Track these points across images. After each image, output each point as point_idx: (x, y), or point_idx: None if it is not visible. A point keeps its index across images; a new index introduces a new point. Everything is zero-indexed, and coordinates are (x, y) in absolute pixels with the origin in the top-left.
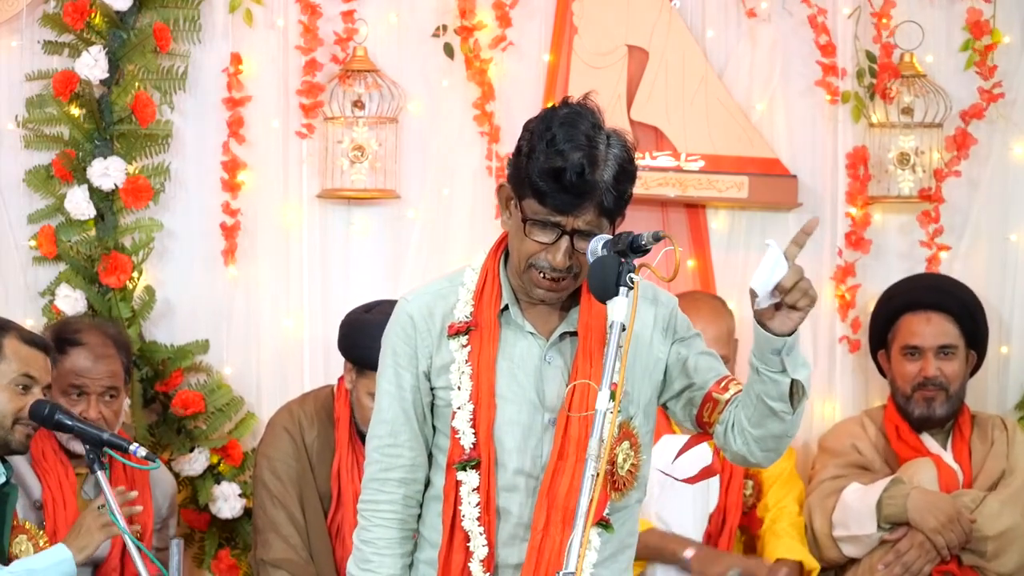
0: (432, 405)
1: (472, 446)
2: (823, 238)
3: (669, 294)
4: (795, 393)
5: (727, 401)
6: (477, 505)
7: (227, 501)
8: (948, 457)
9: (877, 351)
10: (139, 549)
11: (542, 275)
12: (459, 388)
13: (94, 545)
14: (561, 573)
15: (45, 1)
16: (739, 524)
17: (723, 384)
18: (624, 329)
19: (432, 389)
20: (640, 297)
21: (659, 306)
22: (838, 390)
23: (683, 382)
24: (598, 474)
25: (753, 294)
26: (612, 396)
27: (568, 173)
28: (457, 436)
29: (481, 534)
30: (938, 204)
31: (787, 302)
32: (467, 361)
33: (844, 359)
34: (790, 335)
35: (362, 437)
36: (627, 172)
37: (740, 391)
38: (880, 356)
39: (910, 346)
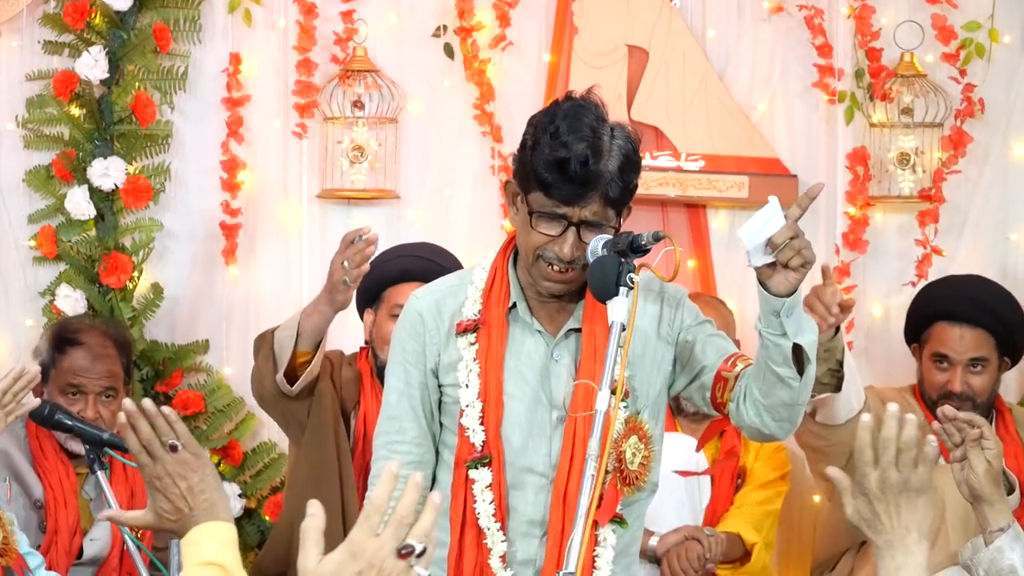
0: (440, 402)
1: (482, 444)
2: (821, 237)
3: (677, 286)
4: (801, 359)
5: (736, 376)
6: (491, 502)
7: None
8: None
9: (911, 342)
10: (139, 549)
11: (550, 266)
12: (467, 386)
13: None
14: (561, 573)
15: (45, 1)
16: None
17: (731, 362)
18: (624, 329)
19: (440, 386)
20: (646, 291)
21: (666, 299)
22: None
23: (694, 368)
24: (598, 473)
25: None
26: (613, 395)
27: (572, 163)
28: (466, 434)
29: (499, 530)
30: (938, 204)
31: (779, 260)
32: (475, 359)
33: None
34: (789, 296)
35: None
36: (632, 163)
37: (749, 365)
38: (913, 348)
39: (940, 354)
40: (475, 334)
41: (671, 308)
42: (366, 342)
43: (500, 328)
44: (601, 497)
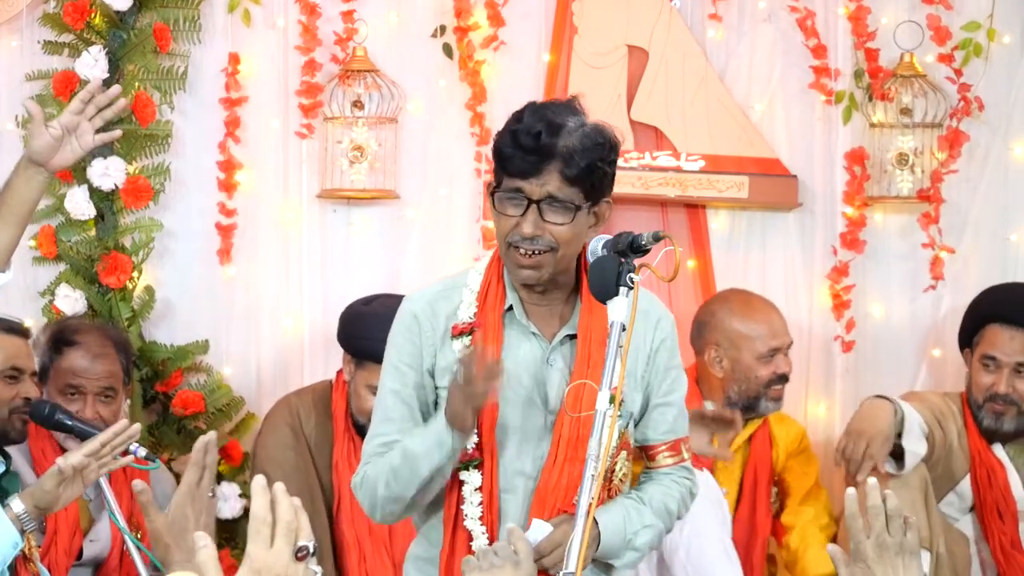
0: (436, 404)
1: (474, 446)
2: (819, 237)
3: (670, 320)
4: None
5: (652, 468)
6: (479, 504)
7: (227, 501)
8: (1015, 476)
9: (964, 348)
10: (139, 549)
11: (518, 250)
12: None
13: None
14: (562, 573)
15: (45, 1)
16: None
17: (662, 452)
18: (624, 329)
19: (436, 388)
20: (644, 313)
21: (657, 330)
22: (836, 389)
23: (642, 420)
24: (598, 474)
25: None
26: (612, 398)
27: (521, 134)
28: None
29: (483, 534)
30: (938, 204)
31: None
32: None
33: (839, 359)
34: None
35: (358, 428)
36: (595, 146)
37: (668, 465)
38: (965, 353)
39: (988, 356)
40: (471, 337)
41: (659, 341)
42: (345, 379)
43: (496, 331)
44: (607, 494)
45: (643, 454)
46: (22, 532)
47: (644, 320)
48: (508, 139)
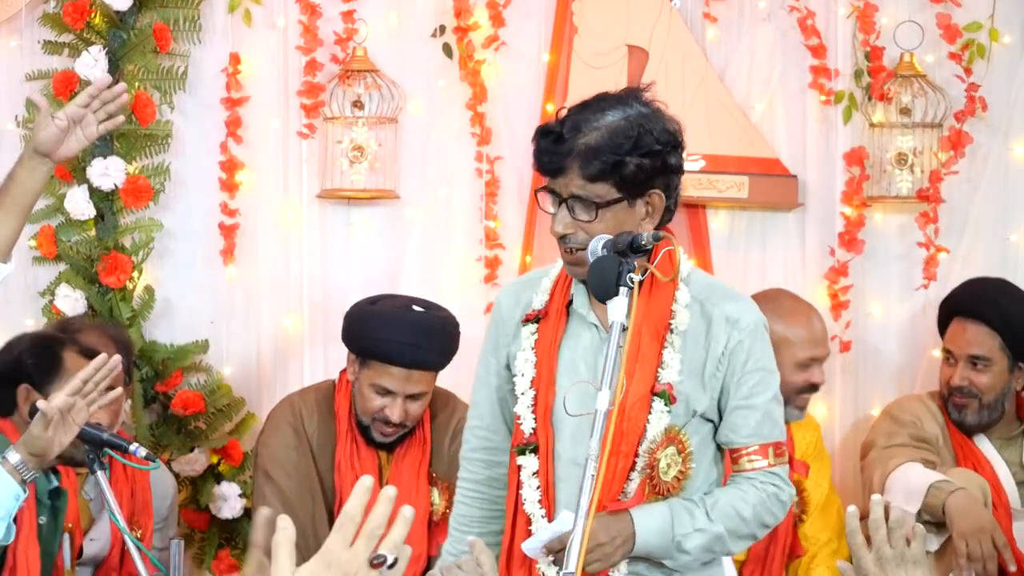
0: (511, 394)
1: (531, 431)
2: (816, 238)
3: (753, 320)
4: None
5: (737, 471)
6: (538, 488)
7: (227, 501)
8: (1003, 469)
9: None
10: (139, 549)
11: (563, 248)
12: (523, 375)
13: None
14: (562, 573)
15: (45, 1)
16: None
17: (747, 456)
18: (624, 329)
19: (512, 376)
20: (723, 319)
21: (734, 329)
22: (836, 390)
23: (719, 415)
24: (597, 473)
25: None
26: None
27: (542, 135)
28: (519, 421)
29: (543, 517)
30: (936, 204)
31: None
32: (533, 348)
33: (838, 359)
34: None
35: (362, 429)
36: (623, 141)
37: (752, 469)
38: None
39: (946, 350)
40: (537, 324)
41: (737, 340)
42: (349, 379)
43: (558, 319)
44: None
45: (729, 457)
46: (23, 483)
47: (720, 318)
48: (537, 139)
